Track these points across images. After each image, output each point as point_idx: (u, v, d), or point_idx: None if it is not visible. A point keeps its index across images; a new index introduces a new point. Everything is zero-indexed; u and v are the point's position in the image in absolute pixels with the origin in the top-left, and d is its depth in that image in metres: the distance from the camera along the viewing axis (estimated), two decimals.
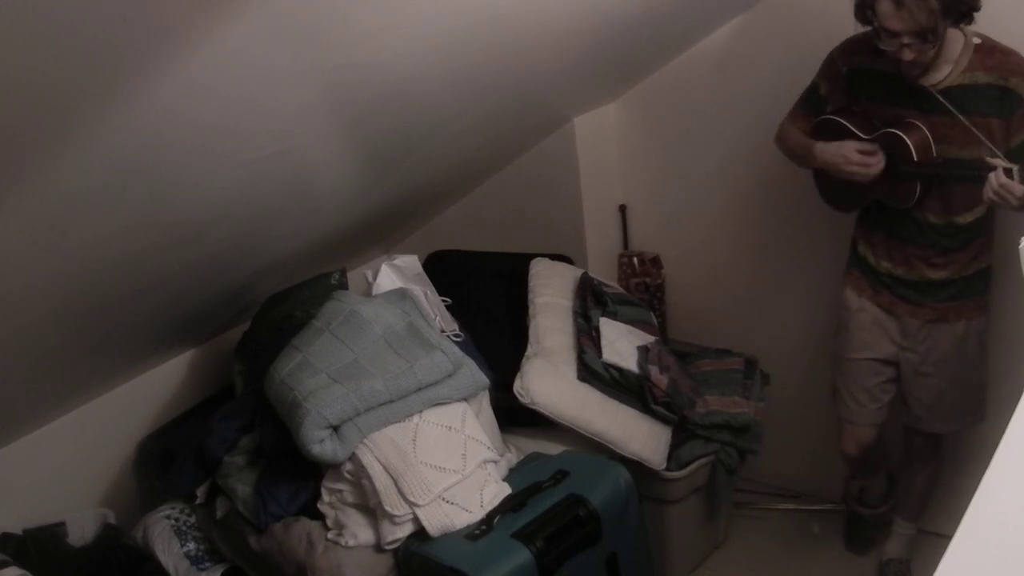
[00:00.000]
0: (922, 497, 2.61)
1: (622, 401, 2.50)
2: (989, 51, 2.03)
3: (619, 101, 2.94)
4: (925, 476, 2.58)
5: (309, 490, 2.19)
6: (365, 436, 2.07)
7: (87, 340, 2.09)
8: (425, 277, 2.59)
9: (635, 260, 3.05)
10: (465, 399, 2.23)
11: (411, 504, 2.02)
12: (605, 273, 3.00)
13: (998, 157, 1.95)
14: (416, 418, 2.13)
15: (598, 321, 2.59)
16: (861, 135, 2.16)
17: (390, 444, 2.07)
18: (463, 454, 2.12)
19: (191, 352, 2.71)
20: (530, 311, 2.65)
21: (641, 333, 2.68)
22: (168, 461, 2.48)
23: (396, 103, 1.94)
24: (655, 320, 2.88)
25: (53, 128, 1.25)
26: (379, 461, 2.05)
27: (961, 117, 2.01)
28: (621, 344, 2.57)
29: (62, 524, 2.36)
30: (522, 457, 2.39)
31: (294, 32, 1.43)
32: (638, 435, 2.47)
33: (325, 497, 2.15)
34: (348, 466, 2.08)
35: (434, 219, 3.18)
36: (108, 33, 1.13)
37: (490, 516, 2.07)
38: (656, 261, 3.08)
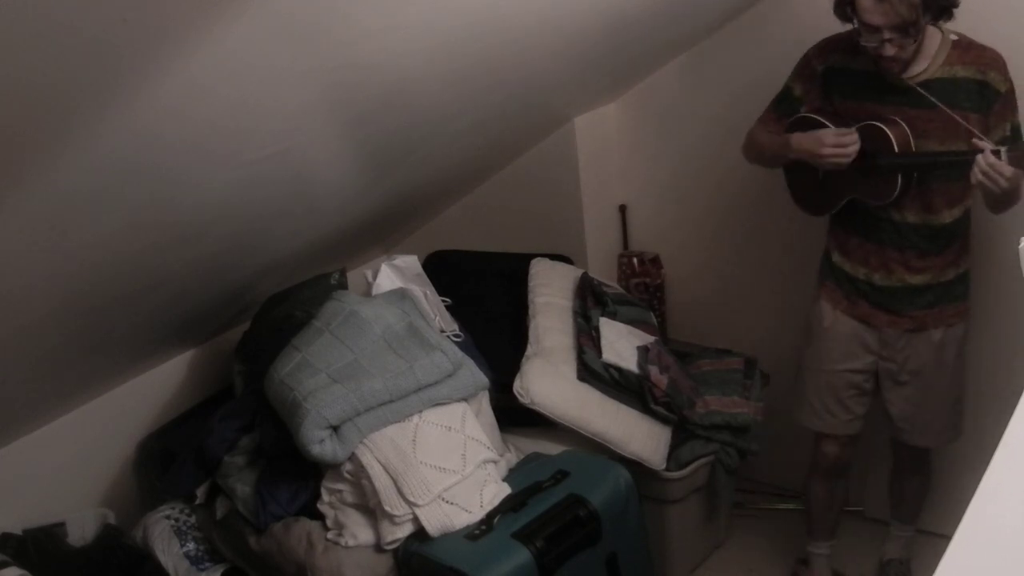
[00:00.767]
0: (915, 503, 2.61)
1: (622, 401, 2.50)
2: (966, 47, 2.04)
3: (619, 101, 2.94)
4: (915, 486, 2.58)
5: (309, 490, 2.19)
6: (365, 436, 2.07)
7: (87, 340, 2.09)
8: (425, 277, 2.59)
9: (635, 260, 3.05)
10: (465, 399, 2.23)
11: (411, 504, 2.02)
12: (605, 273, 3.00)
13: (983, 139, 1.94)
14: (416, 418, 2.13)
15: (598, 321, 2.59)
16: None
17: (390, 444, 2.07)
18: (463, 454, 2.12)
19: (191, 352, 2.71)
20: (530, 311, 2.65)
21: (641, 333, 2.68)
22: (168, 461, 2.48)
23: (396, 103, 1.94)
24: (655, 320, 2.88)
25: (53, 128, 1.25)
26: (379, 461, 2.05)
27: (941, 105, 1.99)
28: (621, 344, 2.57)
29: (62, 524, 2.36)
30: (522, 457, 2.39)
31: (294, 32, 1.43)
32: (638, 435, 2.47)
33: (325, 497, 2.15)
34: (348, 466, 2.08)
35: (434, 219, 3.18)
36: (108, 33, 1.13)
37: (490, 516, 2.07)
38: (656, 261, 3.08)
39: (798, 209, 2.45)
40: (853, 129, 2.09)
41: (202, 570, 2.37)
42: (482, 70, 2.04)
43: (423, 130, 2.20)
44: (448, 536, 2.03)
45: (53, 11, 1.04)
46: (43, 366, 2.06)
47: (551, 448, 2.42)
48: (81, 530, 2.38)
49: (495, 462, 2.20)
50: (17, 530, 2.28)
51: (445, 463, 2.09)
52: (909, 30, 1.92)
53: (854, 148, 2.09)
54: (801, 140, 2.17)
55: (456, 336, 2.43)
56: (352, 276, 2.64)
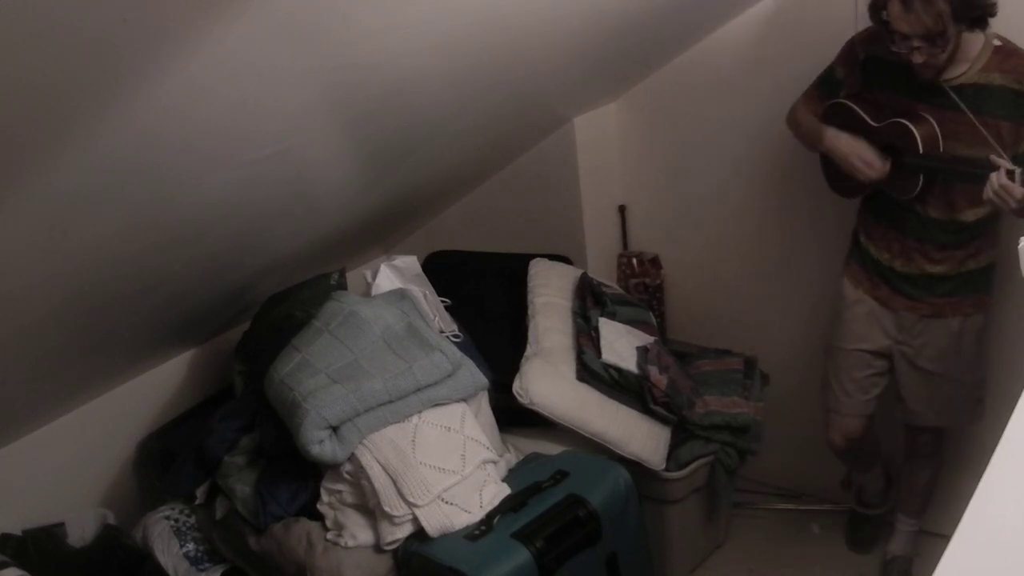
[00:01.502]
0: (924, 494, 2.62)
1: (621, 401, 2.50)
2: (1008, 54, 2.03)
3: (619, 101, 2.94)
4: (926, 474, 2.58)
5: (309, 490, 2.19)
6: (364, 436, 2.07)
7: (87, 340, 2.09)
8: (424, 278, 2.59)
9: (634, 260, 3.05)
10: (464, 399, 2.23)
11: (410, 504, 2.02)
12: (604, 273, 3.00)
13: (1003, 158, 1.95)
14: (415, 419, 2.13)
15: (597, 321, 2.59)
16: (871, 122, 2.17)
17: (389, 444, 2.07)
18: (462, 454, 2.12)
19: (191, 352, 2.71)
20: (529, 311, 2.65)
21: (640, 333, 2.68)
22: (168, 461, 2.48)
23: (396, 103, 1.94)
24: (654, 320, 2.88)
25: (53, 128, 1.25)
26: (378, 461, 2.05)
27: (969, 113, 2.00)
28: (620, 344, 2.57)
29: (62, 524, 2.36)
30: (521, 457, 2.39)
31: (294, 32, 1.43)
32: (637, 435, 2.47)
33: (324, 497, 2.15)
34: (347, 466, 2.08)
35: (434, 219, 3.18)
36: (108, 33, 1.13)
37: (490, 516, 2.07)
38: (655, 261, 3.08)
39: (798, 208, 2.46)
40: (885, 163, 2.15)
41: (202, 570, 2.37)
42: (482, 70, 2.04)
43: (423, 130, 2.20)
44: (448, 536, 2.03)
45: (53, 11, 1.04)
46: (43, 366, 2.06)
47: (551, 448, 2.42)
48: (81, 530, 2.38)
49: (495, 462, 2.20)
50: (17, 530, 2.28)
51: (444, 463, 2.09)
52: (936, 40, 1.92)
53: (877, 176, 2.16)
54: (836, 141, 2.23)
55: (456, 336, 2.43)
56: (352, 276, 2.64)
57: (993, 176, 1.91)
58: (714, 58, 2.71)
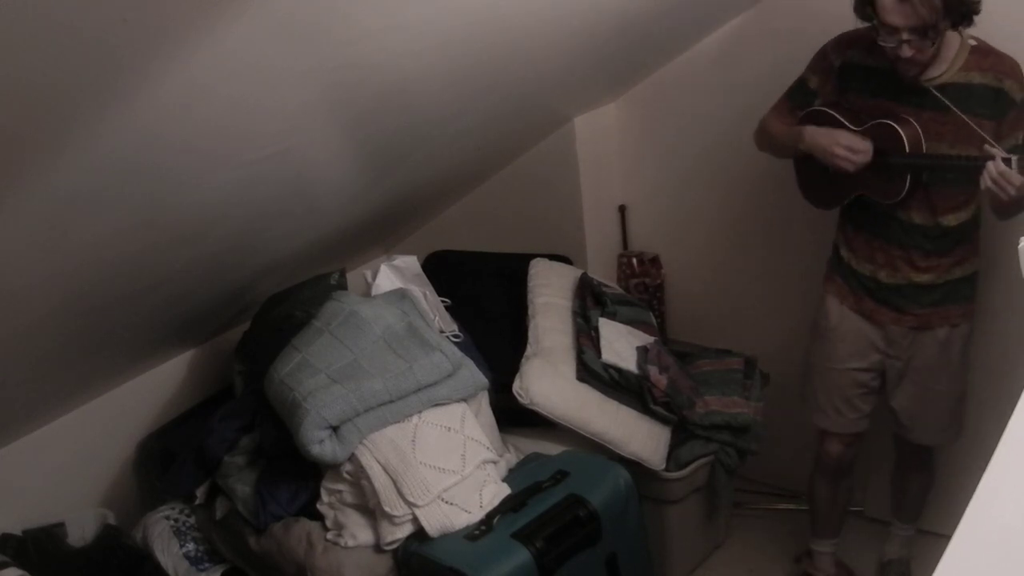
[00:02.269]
0: (917, 501, 2.61)
1: (621, 401, 2.50)
2: (985, 53, 2.03)
3: (619, 101, 2.94)
4: (918, 484, 2.58)
5: (309, 490, 2.19)
6: (364, 436, 2.07)
7: (87, 340, 2.09)
8: (424, 278, 2.59)
9: (634, 260, 3.05)
10: (464, 399, 2.23)
11: (410, 504, 2.02)
12: (604, 273, 3.00)
13: (995, 147, 1.94)
14: (415, 419, 2.13)
15: (597, 321, 2.59)
16: (852, 127, 2.15)
17: (389, 444, 2.07)
18: (462, 454, 2.12)
19: (191, 352, 2.71)
20: (529, 311, 2.65)
21: (640, 333, 2.68)
22: (168, 461, 2.48)
23: (396, 103, 1.94)
24: (654, 320, 2.88)
25: (53, 128, 1.25)
26: (378, 461, 2.05)
27: (956, 110, 2.00)
28: (620, 344, 2.57)
29: (62, 524, 2.36)
30: (521, 457, 2.39)
31: (294, 32, 1.43)
32: (637, 435, 2.47)
33: (324, 497, 2.15)
34: (347, 466, 2.08)
35: (434, 219, 3.18)
36: (108, 33, 1.13)
37: (490, 516, 2.07)
38: (655, 261, 3.08)
39: (798, 208, 2.45)
40: (869, 143, 2.09)
41: (202, 570, 2.37)
42: (482, 70, 2.04)
43: (423, 130, 2.20)
44: (448, 536, 2.03)
45: (53, 11, 1.04)
46: (43, 366, 2.06)
47: (551, 448, 2.42)
48: (81, 530, 2.38)
49: (495, 462, 2.20)
50: (17, 530, 2.28)
51: (445, 463, 2.09)
52: (928, 32, 1.91)
53: (863, 158, 2.10)
54: (815, 135, 2.17)
55: (456, 336, 2.43)
56: (352, 276, 2.64)
57: (990, 165, 1.90)
58: (714, 58, 2.71)
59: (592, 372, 2.49)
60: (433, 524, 2.02)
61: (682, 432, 2.57)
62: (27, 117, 1.19)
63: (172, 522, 2.42)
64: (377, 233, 3.01)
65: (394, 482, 2.03)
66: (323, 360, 2.14)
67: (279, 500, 2.20)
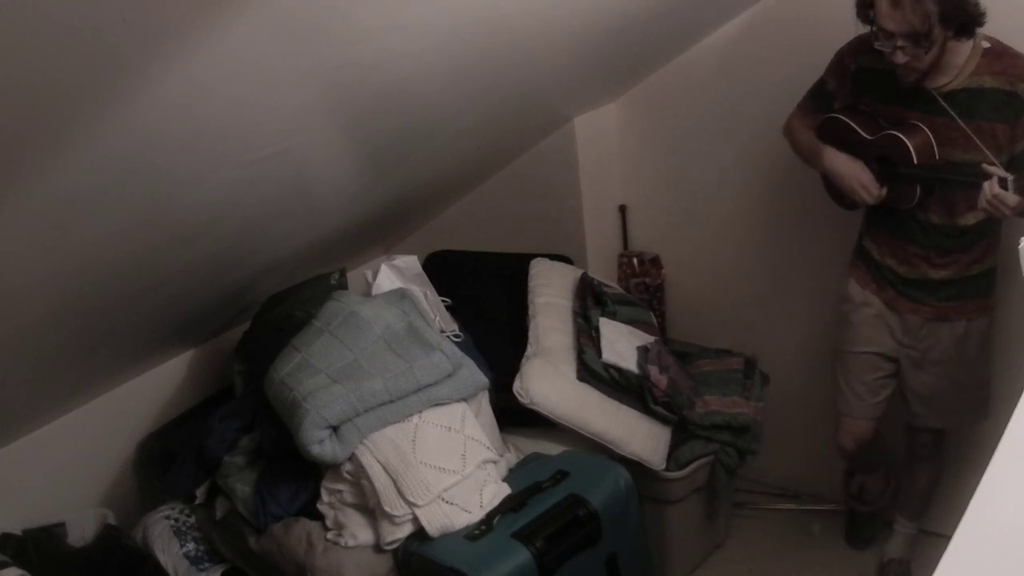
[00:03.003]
0: (924, 497, 2.61)
1: (622, 401, 2.50)
2: (998, 55, 2.02)
3: (619, 101, 2.94)
4: (926, 475, 2.58)
5: (309, 490, 2.19)
6: (364, 436, 2.07)
7: (87, 340, 2.09)
8: (425, 277, 2.59)
9: (635, 260, 3.05)
10: (465, 399, 2.23)
11: (410, 504, 2.02)
12: (605, 273, 3.00)
13: (995, 165, 1.94)
14: (416, 418, 2.13)
15: (598, 321, 2.59)
16: (865, 135, 2.17)
17: (389, 444, 2.07)
18: (463, 454, 2.12)
19: (191, 352, 2.71)
20: (530, 311, 2.65)
21: (641, 333, 2.68)
22: (168, 461, 2.48)
23: (396, 103, 1.94)
24: (655, 320, 2.88)
25: (53, 128, 1.25)
26: (378, 461, 2.05)
27: (960, 122, 2.00)
28: (621, 344, 2.57)
29: (62, 524, 2.36)
30: (522, 457, 2.39)
31: (294, 32, 1.43)
32: (638, 435, 2.47)
33: (325, 497, 2.15)
34: (347, 466, 2.08)
35: (434, 219, 3.18)
36: (108, 33, 1.13)
37: (490, 516, 2.07)
38: (656, 261, 3.08)
39: (798, 208, 2.46)
40: (883, 190, 2.16)
41: (202, 570, 2.37)
42: (482, 70, 2.04)
43: (423, 130, 2.20)
44: (448, 536, 2.03)
45: (53, 11, 1.04)
46: (43, 366, 2.06)
47: (551, 448, 2.42)
48: (81, 530, 2.38)
49: (495, 462, 2.20)
50: (17, 530, 2.28)
51: (445, 463, 2.09)
52: (920, 41, 1.91)
53: (875, 201, 2.18)
54: (835, 163, 2.23)
55: (456, 336, 2.43)
56: (352, 276, 2.64)
57: (986, 186, 1.91)
58: (714, 58, 2.71)
59: (592, 372, 2.49)
60: (433, 524, 2.02)
61: (682, 432, 2.57)
62: (27, 117, 1.19)
63: (172, 522, 2.42)
64: (377, 233, 3.01)
65: (394, 482, 2.03)
66: (323, 360, 2.14)
67: (279, 500, 2.20)
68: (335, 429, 2.06)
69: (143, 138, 1.42)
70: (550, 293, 2.71)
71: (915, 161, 2.06)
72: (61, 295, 1.76)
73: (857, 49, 2.18)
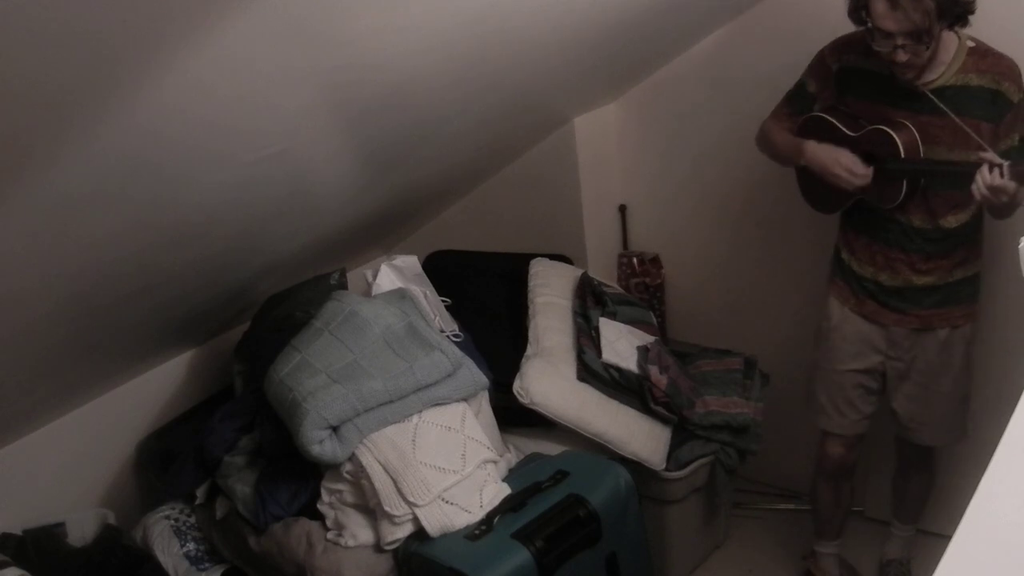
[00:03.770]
0: (917, 502, 2.61)
1: (622, 401, 2.50)
2: (983, 54, 2.03)
3: (619, 101, 2.94)
4: (919, 483, 2.58)
5: (309, 490, 2.19)
6: (364, 436, 2.07)
7: (87, 340, 2.09)
8: (425, 277, 2.59)
9: (635, 260, 3.05)
10: (465, 399, 2.23)
11: (410, 504, 2.02)
12: (605, 273, 3.00)
13: (988, 152, 1.94)
14: (416, 418, 2.13)
15: (597, 321, 2.59)
16: (848, 132, 2.15)
17: (389, 444, 2.07)
18: (463, 454, 2.12)
19: (191, 352, 2.71)
20: (530, 311, 2.65)
21: (641, 333, 2.68)
22: (168, 461, 2.48)
23: (396, 103, 1.94)
24: (655, 320, 2.88)
25: (53, 128, 1.25)
26: (378, 461, 2.05)
27: (952, 114, 1.99)
28: (621, 344, 2.57)
29: (62, 524, 2.36)
30: (522, 457, 2.39)
31: (294, 32, 1.43)
32: (638, 435, 2.47)
33: (325, 497, 2.15)
34: (348, 466, 2.08)
35: (434, 219, 3.18)
36: (108, 33, 1.13)
37: (490, 516, 2.07)
38: (656, 261, 3.08)
39: (798, 208, 2.45)
40: (870, 169, 2.11)
41: (202, 570, 2.37)
42: (482, 70, 2.04)
43: (423, 130, 2.20)
44: (448, 536, 2.03)
45: (53, 11, 1.04)
46: (43, 366, 2.06)
47: (551, 448, 2.42)
48: (81, 530, 2.38)
49: (495, 462, 2.20)
50: (17, 530, 2.28)
51: (445, 463, 2.09)
52: (922, 37, 1.91)
53: (862, 181, 2.12)
54: (817, 152, 2.19)
55: (456, 336, 2.43)
56: (352, 276, 2.64)
57: (981, 173, 1.90)
58: (714, 58, 2.71)
59: (592, 372, 2.49)
60: (433, 524, 2.02)
61: (682, 432, 2.57)
62: (27, 117, 1.19)
63: (172, 522, 2.42)
64: (377, 233, 3.01)
65: (394, 482, 2.03)
66: (323, 360, 2.14)
67: (279, 500, 2.20)
68: (335, 429, 2.06)
69: (143, 138, 1.42)
70: (550, 293, 2.71)
71: (902, 155, 2.05)
72: (61, 295, 1.76)
73: (839, 49, 2.17)
